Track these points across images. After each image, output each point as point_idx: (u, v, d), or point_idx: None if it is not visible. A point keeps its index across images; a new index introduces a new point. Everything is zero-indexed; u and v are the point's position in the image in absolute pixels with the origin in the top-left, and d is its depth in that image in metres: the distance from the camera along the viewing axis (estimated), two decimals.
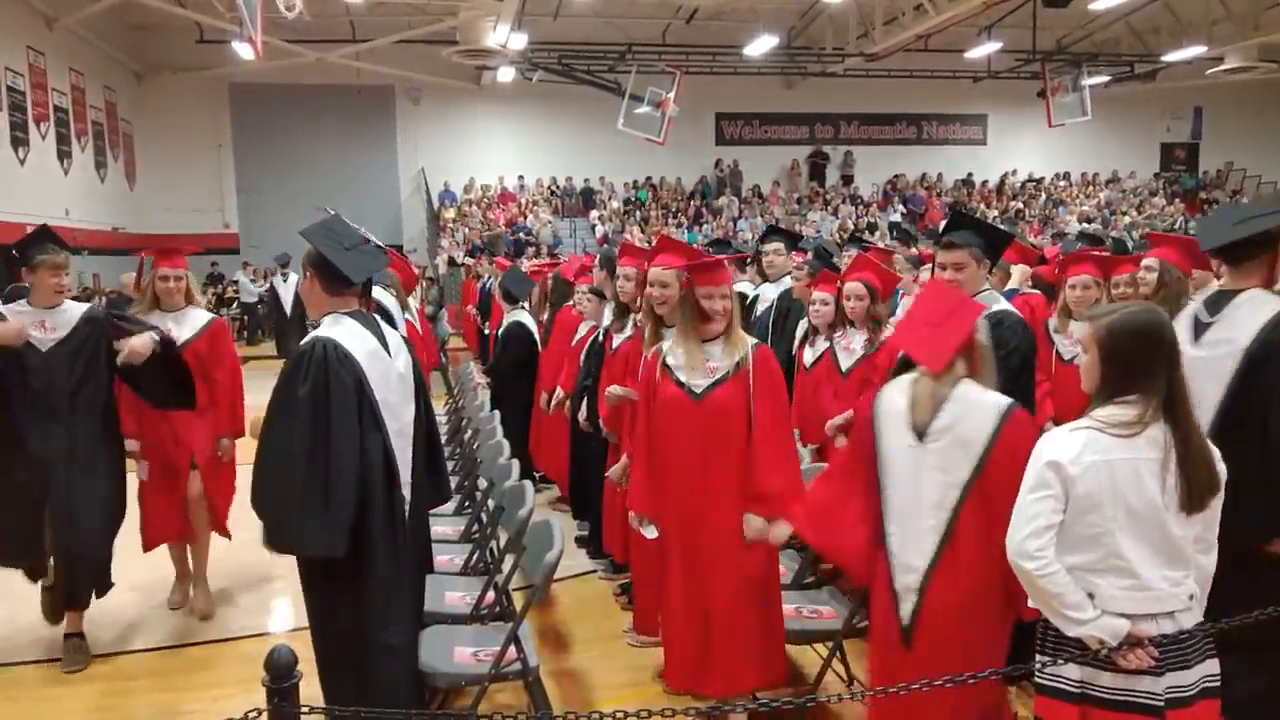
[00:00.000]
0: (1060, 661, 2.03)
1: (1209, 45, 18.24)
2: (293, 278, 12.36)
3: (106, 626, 3.99)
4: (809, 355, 4.44)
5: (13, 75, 13.81)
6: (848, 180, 22.53)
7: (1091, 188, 22.95)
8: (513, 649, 2.75)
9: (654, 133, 18.22)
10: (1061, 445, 1.99)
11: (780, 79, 21.53)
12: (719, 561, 2.94)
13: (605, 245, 14.33)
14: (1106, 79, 20.34)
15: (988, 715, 2.35)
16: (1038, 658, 2.09)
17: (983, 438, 2.26)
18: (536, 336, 6.28)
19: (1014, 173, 22.95)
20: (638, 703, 2.50)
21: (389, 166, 20.65)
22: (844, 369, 4.14)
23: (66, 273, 3.74)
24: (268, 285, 15.27)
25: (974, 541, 2.26)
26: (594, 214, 20.30)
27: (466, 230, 18.94)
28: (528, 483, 3.54)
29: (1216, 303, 2.79)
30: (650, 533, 3.09)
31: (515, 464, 3.92)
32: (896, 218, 20.99)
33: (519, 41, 16.44)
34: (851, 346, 4.12)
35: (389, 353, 2.67)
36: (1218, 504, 2.01)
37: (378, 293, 4.41)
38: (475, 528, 4.11)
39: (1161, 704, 1.96)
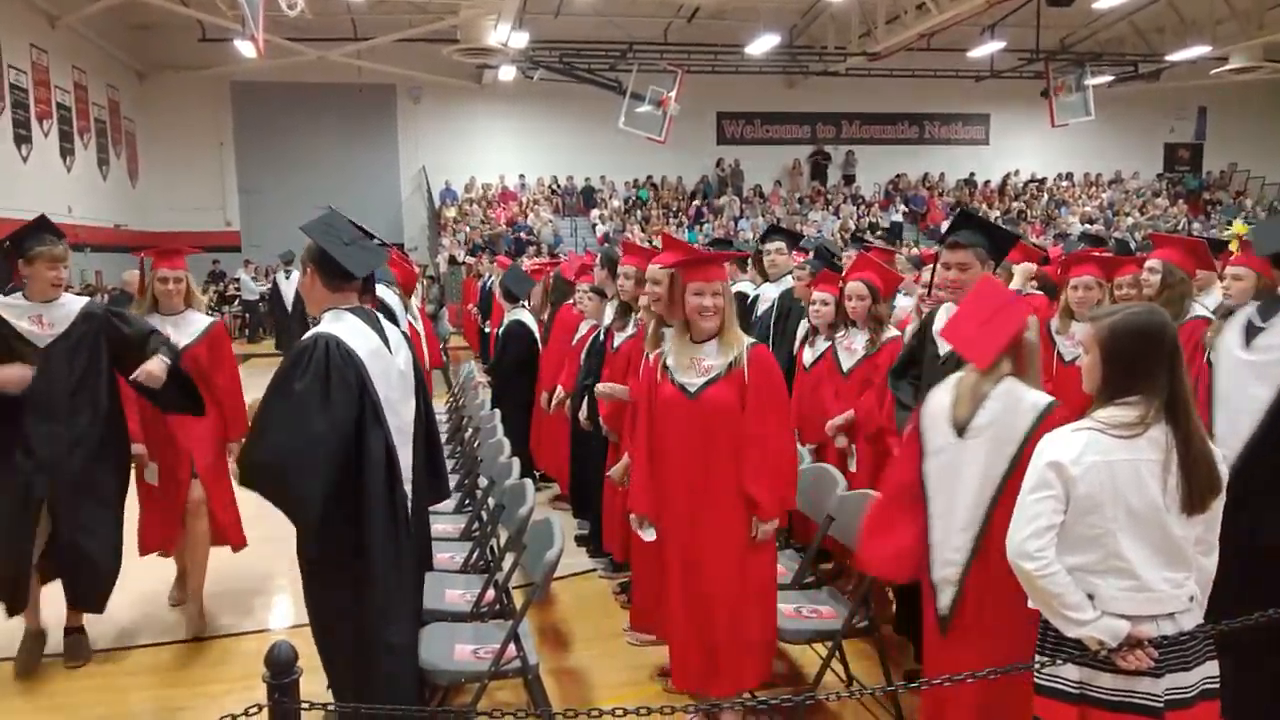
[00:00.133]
0: (1059, 662, 2.03)
1: (1213, 45, 18.22)
2: (295, 275, 12.37)
3: (107, 622, 3.98)
4: (809, 355, 4.44)
5: (16, 73, 13.82)
6: (849, 180, 22.52)
7: (1094, 188, 22.92)
8: (513, 647, 2.75)
9: (655, 132, 18.22)
10: (1063, 446, 1.99)
11: (782, 78, 21.51)
12: (717, 561, 2.94)
13: (606, 244, 14.33)
14: (1110, 79, 20.31)
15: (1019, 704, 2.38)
16: (1037, 658, 2.09)
17: (1019, 435, 2.28)
18: (537, 335, 6.28)
19: (1016, 173, 22.92)
20: (637, 701, 2.50)
21: (390, 165, 20.65)
22: (845, 369, 4.14)
23: (65, 265, 3.59)
24: (270, 282, 15.30)
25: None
26: (595, 213, 20.30)
27: (468, 229, 18.94)
28: (528, 481, 3.54)
29: (1269, 308, 2.82)
30: (649, 535, 3.09)
31: (516, 462, 3.92)
32: (898, 217, 20.99)
33: (520, 40, 16.43)
34: (853, 346, 4.12)
35: (390, 349, 2.66)
36: (1219, 505, 2.00)
37: (381, 290, 4.39)
38: (475, 526, 4.11)
39: (1161, 705, 1.95)
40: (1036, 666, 2.08)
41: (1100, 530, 1.96)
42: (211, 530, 4.05)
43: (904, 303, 4.67)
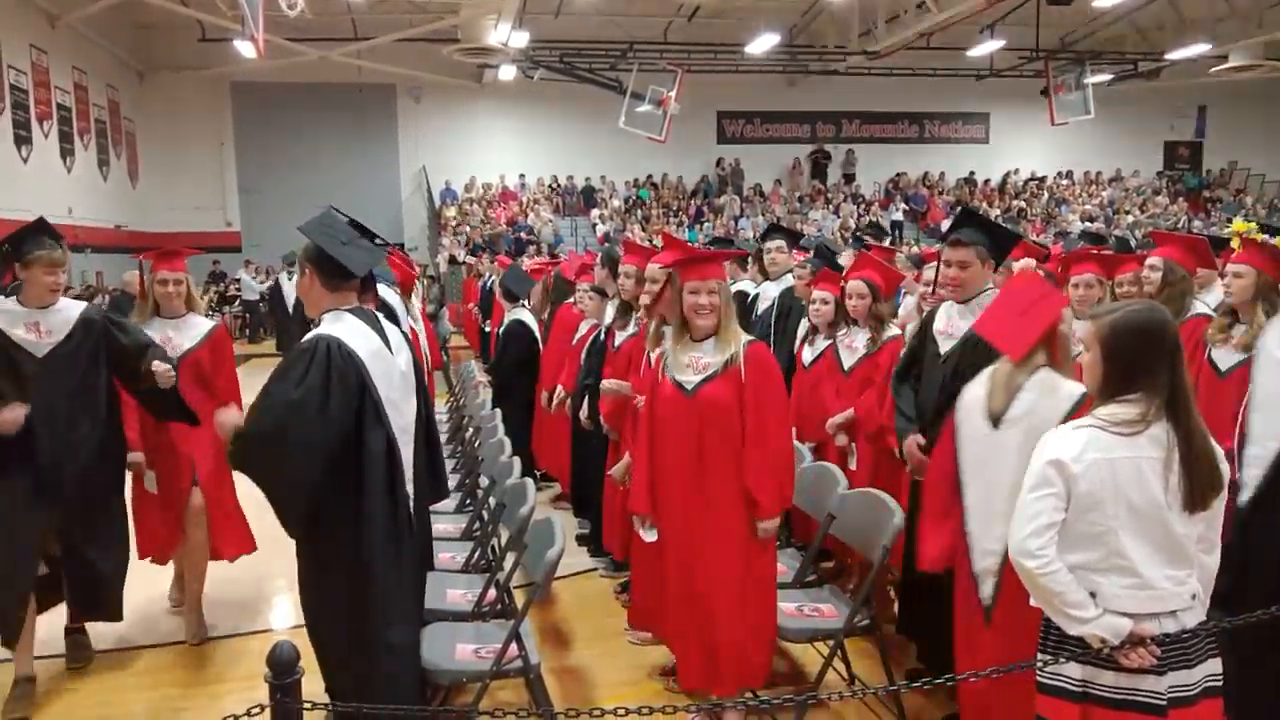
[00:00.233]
0: (1062, 660, 2.03)
1: (1213, 43, 18.21)
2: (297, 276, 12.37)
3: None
4: (808, 354, 4.44)
5: (16, 73, 13.82)
6: (849, 179, 22.51)
7: (1094, 186, 22.91)
8: (514, 646, 2.75)
9: (655, 131, 18.21)
10: (1064, 443, 1.99)
11: (782, 77, 21.50)
12: (717, 559, 2.94)
13: (606, 244, 14.33)
14: (1110, 77, 20.30)
15: None
16: (1039, 656, 2.09)
17: (1052, 425, 2.28)
18: (538, 335, 6.28)
19: (1016, 171, 22.92)
20: (638, 700, 2.50)
21: (390, 165, 20.66)
22: (846, 367, 4.14)
23: (64, 270, 3.46)
24: (272, 281, 15.32)
25: None
26: (595, 212, 20.30)
27: (468, 229, 18.94)
28: (529, 480, 3.54)
29: None
30: (651, 536, 3.09)
31: (516, 462, 3.92)
32: (898, 216, 20.98)
33: (520, 40, 16.44)
34: (854, 345, 4.12)
35: (391, 350, 2.66)
36: (1220, 503, 2.00)
37: (382, 290, 4.38)
38: (477, 525, 4.11)
39: (1164, 703, 1.95)
40: (1039, 665, 2.08)
41: (1102, 528, 1.96)
42: (211, 538, 3.96)
43: (906, 301, 4.67)
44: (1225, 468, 2.00)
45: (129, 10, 16.41)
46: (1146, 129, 23.30)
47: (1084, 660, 1.99)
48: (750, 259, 6.17)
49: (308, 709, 1.87)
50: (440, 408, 6.89)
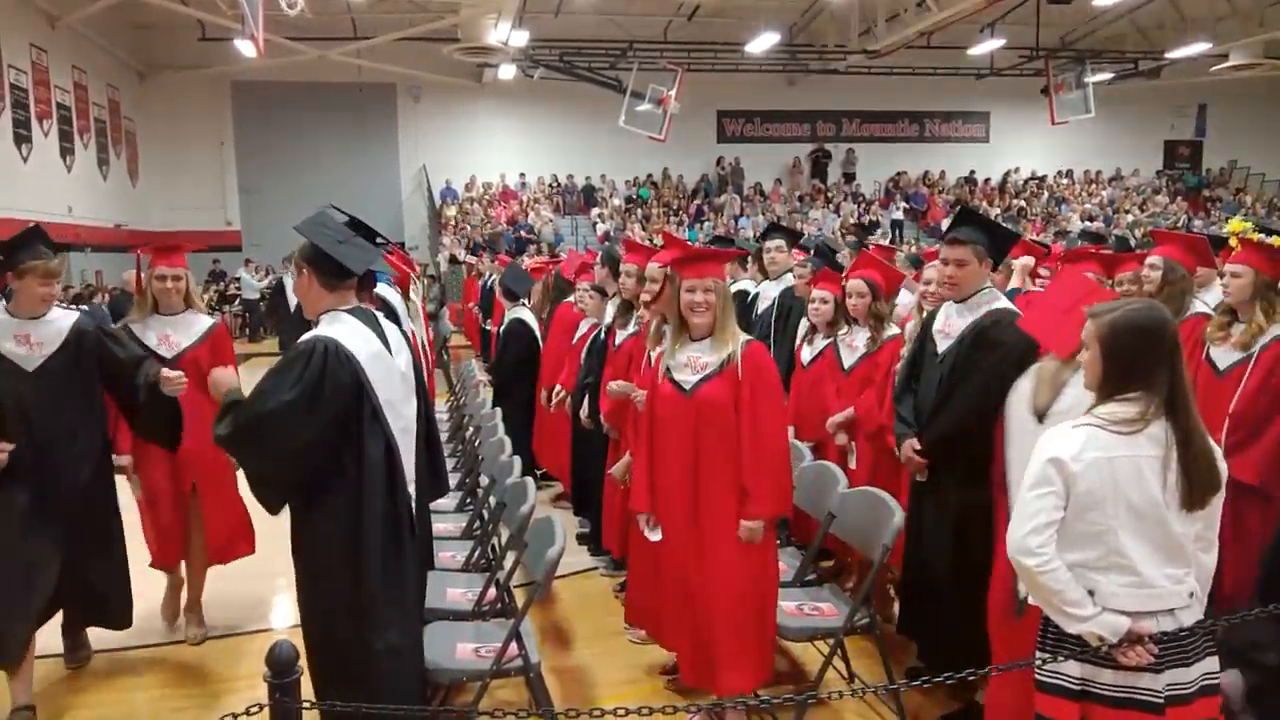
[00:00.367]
0: (1061, 658, 2.03)
1: (1214, 42, 18.21)
2: None
3: None
4: (807, 353, 4.44)
5: (16, 73, 13.83)
6: (849, 178, 22.52)
7: (1094, 185, 22.92)
8: (514, 645, 2.76)
9: (655, 130, 18.22)
10: (1063, 442, 1.99)
11: (782, 76, 21.50)
12: (716, 558, 2.94)
13: (606, 243, 14.33)
14: (1110, 76, 20.30)
15: None
16: (1038, 654, 2.09)
17: None
18: (538, 334, 6.28)
19: (1016, 170, 22.92)
20: (638, 699, 2.51)
21: (390, 164, 20.67)
22: (846, 366, 4.14)
23: (58, 280, 3.31)
24: (274, 279, 15.29)
25: None
26: (595, 212, 20.31)
27: (468, 228, 18.94)
28: (529, 480, 3.54)
29: None
30: (655, 535, 3.09)
31: (517, 461, 3.92)
32: (899, 215, 20.98)
33: (520, 39, 16.44)
34: (855, 344, 4.12)
35: (390, 351, 2.65)
36: (1218, 502, 2.01)
37: (383, 289, 4.37)
38: (477, 525, 4.12)
39: (1162, 701, 1.96)
40: (1038, 663, 2.08)
41: (1101, 527, 1.96)
42: (208, 542, 3.92)
43: (905, 300, 4.67)
44: (1224, 467, 2.00)
45: (129, 10, 16.41)
46: (1146, 128, 23.31)
47: (1083, 658, 2.00)
48: (750, 258, 6.17)
49: (307, 708, 1.87)
50: (440, 407, 6.89)
